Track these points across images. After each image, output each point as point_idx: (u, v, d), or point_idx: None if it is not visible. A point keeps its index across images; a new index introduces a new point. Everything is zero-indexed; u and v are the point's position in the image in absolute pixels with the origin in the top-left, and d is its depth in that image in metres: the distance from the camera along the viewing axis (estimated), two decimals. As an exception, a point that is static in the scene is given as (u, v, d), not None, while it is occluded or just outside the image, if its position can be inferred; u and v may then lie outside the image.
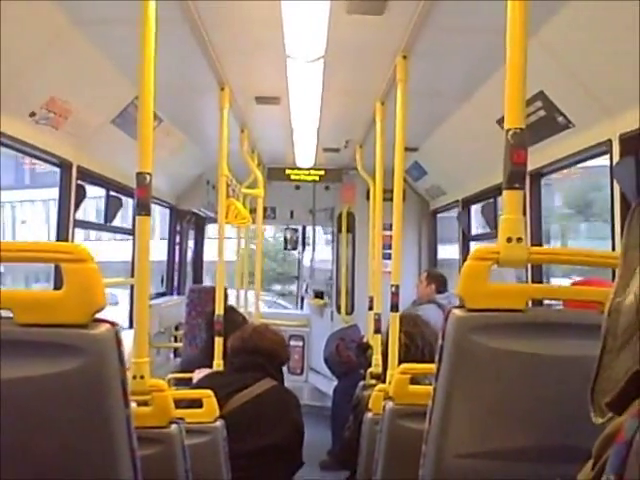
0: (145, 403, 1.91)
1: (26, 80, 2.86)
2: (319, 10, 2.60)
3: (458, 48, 3.12)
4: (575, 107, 3.05)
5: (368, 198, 5.50)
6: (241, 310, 4.98)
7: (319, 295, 7.60)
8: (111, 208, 4.68)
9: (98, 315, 1.33)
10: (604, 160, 2.97)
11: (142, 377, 1.91)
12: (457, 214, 5.63)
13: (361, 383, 3.25)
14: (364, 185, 5.82)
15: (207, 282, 7.31)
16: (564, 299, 1.75)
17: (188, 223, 7.12)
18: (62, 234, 3.75)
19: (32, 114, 3.08)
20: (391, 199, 3.02)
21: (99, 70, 3.31)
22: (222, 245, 3.59)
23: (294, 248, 7.83)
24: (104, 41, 3.02)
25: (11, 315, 1.30)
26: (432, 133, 4.95)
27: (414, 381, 2.38)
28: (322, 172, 6.83)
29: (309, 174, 6.81)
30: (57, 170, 3.75)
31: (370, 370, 3.29)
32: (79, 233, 4.15)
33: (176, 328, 6.18)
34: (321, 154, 6.08)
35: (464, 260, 1.50)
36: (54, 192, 3.85)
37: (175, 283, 6.83)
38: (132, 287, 4.84)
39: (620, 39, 2.41)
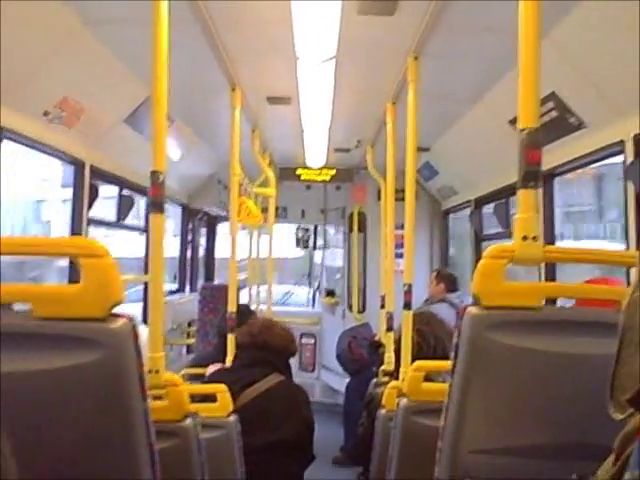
0: (160, 397, 1.93)
1: (39, 80, 2.89)
2: (330, 11, 2.62)
3: (469, 49, 3.12)
4: (587, 108, 3.04)
5: (379, 198, 5.51)
6: (252, 307, 5.00)
7: (331, 293, 7.64)
8: (124, 206, 4.71)
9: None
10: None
11: (157, 371, 1.93)
12: (469, 214, 5.63)
13: (373, 380, 3.27)
14: (375, 185, 5.83)
15: (220, 279, 7.35)
16: (579, 297, 1.76)
17: (200, 221, 7.17)
18: (76, 232, 3.79)
19: (46, 113, 3.11)
20: (402, 199, 3.03)
21: (111, 70, 3.34)
22: (235, 243, 3.61)
23: (305, 247, 7.86)
24: (116, 41, 3.05)
25: (30, 309, 1.32)
26: (443, 133, 4.95)
27: (427, 378, 2.39)
28: (333, 172, 6.84)
29: (320, 174, 6.83)
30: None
31: (382, 368, 3.30)
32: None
33: (189, 325, 6.22)
34: (332, 154, 6.09)
35: (477, 260, 1.51)
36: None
37: (187, 280, 6.87)
38: (146, 284, 4.87)
39: (633, 39, 2.40)
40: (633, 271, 2.56)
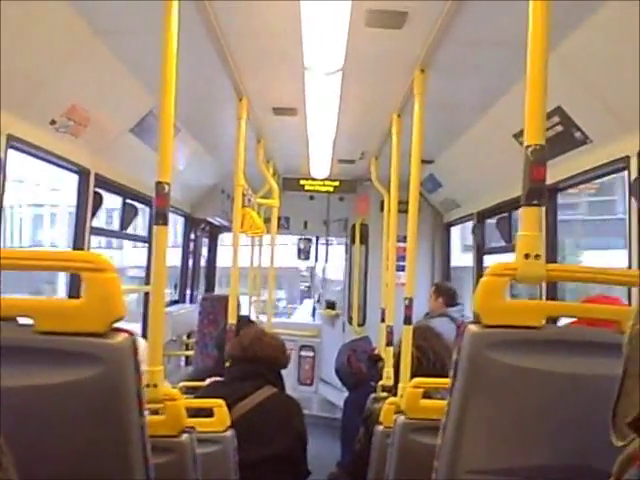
0: (157, 412, 1.91)
1: (47, 88, 2.90)
2: (338, 23, 2.62)
3: (476, 62, 3.13)
4: (593, 123, 3.04)
5: (382, 210, 5.51)
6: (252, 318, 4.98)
7: (331, 306, 7.60)
8: (127, 216, 4.72)
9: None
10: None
11: (155, 386, 1.91)
12: (472, 227, 5.62)
13: (372, 395, 3.24)
14: (378, 197, 5.82)
15: (223, 289, 7.35)
16: (581, 317, 1.74)
17: (202, 231, 7.16)
18: (79, 241, 3.78)
19: (52, 122, 3.12)
20: (405, 211, 3.02)
21: (119, 79, 3.35)
22: (237, 254, 3.60)
23: (307, 258, 7.84)
24: (125, 51, 3.06)
25: (31, 323, 1.31)
26: (448, 146, 4.95)
27: (426, 395, 2.37)
28: (337, 183, 6.86)
29: (324, 185, 6.85)
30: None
31: (381, 383, 3.28)
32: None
33: (188, 336, 6.20)
34: (336, 165, 6.10)
35: (479, 274, 1.49)
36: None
37: (188, 291, 6.85)
38: (147, 294, 4.86)
39: (639, 55, 2.40)
40: (634, 290, 2.55)
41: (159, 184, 1.96)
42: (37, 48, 2.60)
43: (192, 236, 6.88)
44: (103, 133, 3.65)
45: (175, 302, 6.58)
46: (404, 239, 3.06)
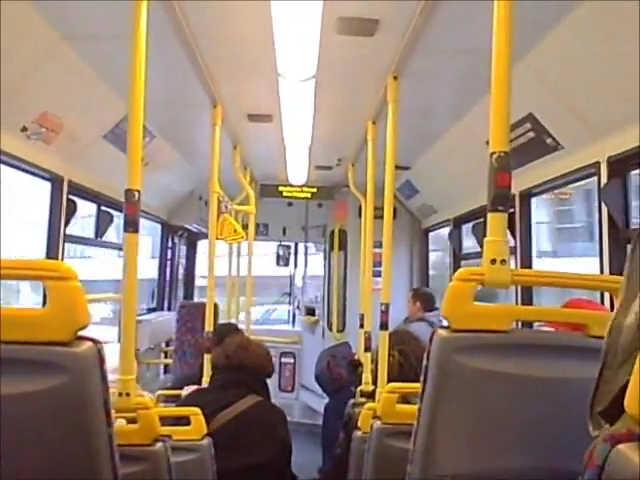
0: (134, 420, 1.90)
1: (18, 94, 2.87)
2: (310, 29, 2.63)
3: (449, 70, 3.16)
4: (564, 129, 3.08)
5: (360, 215, 5.53)
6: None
7: (311, 312, 7.59)
8: (102, 223, 4.67)
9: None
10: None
11: (128, 394, 1.90)
12: (448, 233, 5.66)
13: (351, 401, 3.24)
14: (356, 203, 5.84)
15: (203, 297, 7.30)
16: (549, 321, 1.76)
17: (180, 238, 7.12)
18: (52, 249, 3.74)
19: (24, 129, 3.08)
20: (382, 217, 3.03)
21: (91, 86, 3.33)
22: (213, 261, 3.59)
23: (286, 265, 7.83)
24: (96, 57, 3.04)
25: None
26: (424, 152, 4.98)
27: (404, 400, 2.37)
28: (314, 189, 6.86)
29: (301, 191, 6.85)
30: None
31: (360, 388, 3.28)
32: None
33: (167, 344, 6.15)
34: (313, 171, 6.11)
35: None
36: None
37: (166, 299, 6.80)
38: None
39: (608, 63, 2.44)
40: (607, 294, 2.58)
41: (128, 191, 1.95)
42: (4, 53, 2.57)
43: (169, 243, 6.84)
44: (76, 140, 3.62)
45: (153, 310, 6.53)
46: (382, 245, 3.07)
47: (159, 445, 1.89)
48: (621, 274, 0.91)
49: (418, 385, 1.47)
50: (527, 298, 3.67)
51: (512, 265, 1.48)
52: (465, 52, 2.88)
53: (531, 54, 2.70)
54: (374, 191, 3.67)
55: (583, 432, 0.87)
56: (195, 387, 3.26)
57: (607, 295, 2.62)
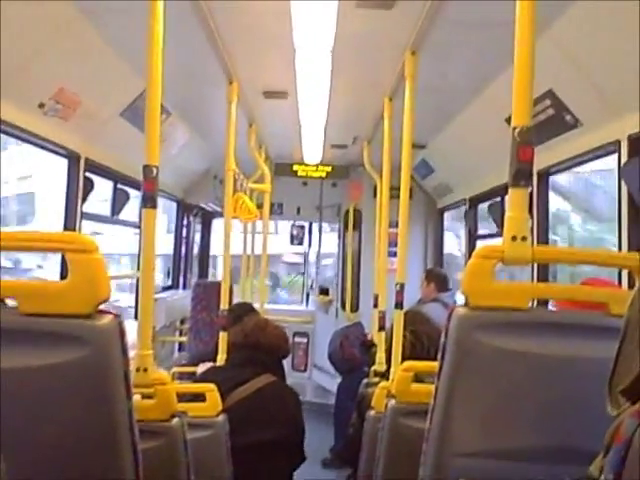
0: (150, 396, 1.91)
1: (35, 70, 2.86)
2: (328, 3, 2.59)
3: (468, 44, 3.10)
4: (584, 106, 3.02)
5: (375, 195, 5.49)
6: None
7: (324, 291, 7.59)
8: (118, 201, 4.69)
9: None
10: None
11: (145, 370, 1.91)
12: (464, 213, 5.61)
13: (364, 381, 3.25)
14: (371, 182, 5.80)
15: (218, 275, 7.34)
16: (569, 299, 1.74)
17: (195, 217, 7.14)
18: (69, 226, 3.76)
19: (41, 105, 3.08)
20: (398, 197, 3.00)
21: (108, 62, 3.31)
22: (229, 240, 3.59)
23: (300, 244, 7.83)
24: (113, 32, 3.02)
25: (16, 304, 1.30)
26: (440, 130, 4.92)
27: (417, 379, 2.37)
28: (329, 168, 6.83)
29: (316, 170, 6.82)
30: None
31: (374, 368, 3.28)
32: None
33: (181, 322, 6.20)
34: (328, 150, 6.07)
35: (470, 258, 1.49)
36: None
37: (181, 277, 6.84)
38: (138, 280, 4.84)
39: (632, 38, 2.38)
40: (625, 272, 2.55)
41: (147, 167, 1.94)
42: (22, 29, 2.56)
43: (185, 222, 6.85)
44: (93, 117, 3.61)
45: (168, 288, 6.57)
46: (397, 225, 3.05)
47: (175, 421, 1.90)
48: None
49: (435, 363, 1.46)
50: (543, 277, 3.64)
51: None
52: (485, 25, 2.82)
53: (553, 27, 2.63)
54: (390, 170, 3.64)
55: (601, 412, 0.86)
56: (210, 364, 3.28)
57: (624, 275, 2.59)
